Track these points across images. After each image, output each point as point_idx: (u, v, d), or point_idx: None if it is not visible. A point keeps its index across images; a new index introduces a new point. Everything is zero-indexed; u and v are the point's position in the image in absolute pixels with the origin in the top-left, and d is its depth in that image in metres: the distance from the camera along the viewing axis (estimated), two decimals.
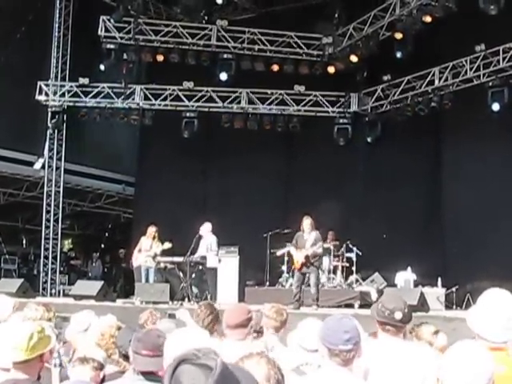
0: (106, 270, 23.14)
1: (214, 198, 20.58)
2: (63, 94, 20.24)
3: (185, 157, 20.29)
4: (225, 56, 19.09)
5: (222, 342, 4.91)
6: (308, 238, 12.84)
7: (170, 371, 1.79)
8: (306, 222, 12.94)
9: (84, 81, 19.92)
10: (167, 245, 14.75)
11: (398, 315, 4.21)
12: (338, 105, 19.39)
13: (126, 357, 4.44)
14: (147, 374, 3.77)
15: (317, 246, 12.78)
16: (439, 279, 14.56)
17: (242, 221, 18.63)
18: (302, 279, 12.89)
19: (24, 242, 24.66)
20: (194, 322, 5.76)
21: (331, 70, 18.67)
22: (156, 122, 19.99)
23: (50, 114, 20.28)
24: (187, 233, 14.77)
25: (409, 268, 14.84)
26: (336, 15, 18.22)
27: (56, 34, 20.73)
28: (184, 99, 19.67)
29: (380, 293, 13.68)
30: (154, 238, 15.02)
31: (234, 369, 1.86)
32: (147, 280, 14.89)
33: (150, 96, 20.00)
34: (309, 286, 12.91)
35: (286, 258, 15.62)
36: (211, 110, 19.74)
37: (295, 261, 13.02)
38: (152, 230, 15.11)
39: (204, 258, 14.32)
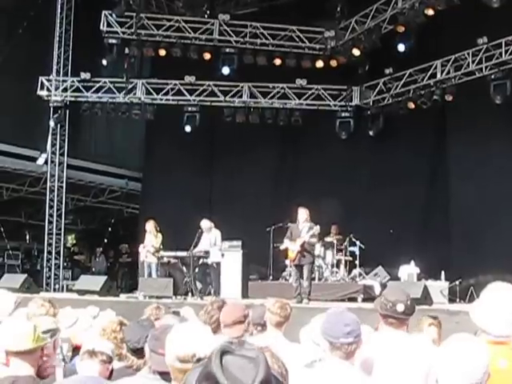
0: (109, 264, 23.14)
1: (219, 193, 20.58)
2: (65, 89, 20.22)
3: (190, 152, 20.28)
4: (227, 50, 19.08)
5: (222, 338, 4.91)
6: (303, 228, 12.60)
7: (218, 363, 1.75)
8: (302, 213, 12.70)
9: (86, 76, 19.91)
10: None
11: (400, 307, 4.21)
12: (340, 98, 19.34)
13: (133, 351, 4.38)
14: (165, 374, 3.47)
15: (313, 229, 12.50)
16: (442, 272, 14.55)
17: (245, 215, 18.60)
18: (299, 273, 12.64)
19: (27, 237, 24.71)
20: (199, 316, 5.74)
21: (333, 63, 18.66)
22: (162, 116, 19.97)
23: (51, 109, 20.27)
24: (192, 227, 14.73)
25: (412, 261, 14.81)
26: (338, 9, 18.16)
27: (58, 29, 20.73)
28: (186, 93, 19.65)
29: (383, 286, 13.66)
30: (151, 231, 15.02)
31: None
32: (150, 275, 14.90)
33: (151, 90, 19.96)
34: (302, 278, 12.63)
35: None
36: (213, 104, 19.72)
37: (290, 251, 12.75)
38: (149, 224, 15.12)
39: (207, 252, 14.31)
